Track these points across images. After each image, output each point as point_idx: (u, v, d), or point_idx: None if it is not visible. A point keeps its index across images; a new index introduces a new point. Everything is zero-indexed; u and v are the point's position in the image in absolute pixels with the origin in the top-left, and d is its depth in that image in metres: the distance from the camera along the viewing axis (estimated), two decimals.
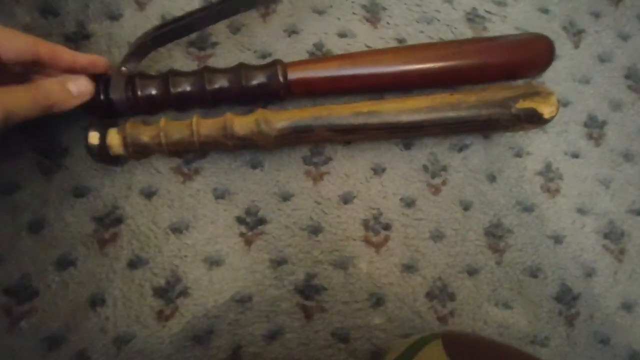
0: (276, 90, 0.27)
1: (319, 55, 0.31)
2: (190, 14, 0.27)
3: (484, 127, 0.28)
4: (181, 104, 0.27)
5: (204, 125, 0.26)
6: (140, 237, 0.26)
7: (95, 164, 0.27)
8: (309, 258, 0.27)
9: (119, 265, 0.26)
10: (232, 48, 0.31)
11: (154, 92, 0.26)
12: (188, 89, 0.26)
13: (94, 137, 0.25)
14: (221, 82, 0.26)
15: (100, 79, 0.26)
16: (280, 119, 0.26)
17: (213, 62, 0.30)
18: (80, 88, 0.24)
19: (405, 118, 0.27)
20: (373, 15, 0.33)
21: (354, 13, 0.33)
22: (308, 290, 0.27)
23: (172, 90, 0.26)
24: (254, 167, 0.28)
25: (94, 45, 0.29)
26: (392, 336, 0.26)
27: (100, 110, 0.26)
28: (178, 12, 0.31)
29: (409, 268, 0.28)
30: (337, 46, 0.32)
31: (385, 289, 0.27)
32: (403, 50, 0.29)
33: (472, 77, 0.28)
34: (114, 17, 0.30)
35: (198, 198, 0.27)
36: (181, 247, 0.26)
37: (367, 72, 0.28)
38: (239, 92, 0.27)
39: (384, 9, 0.33)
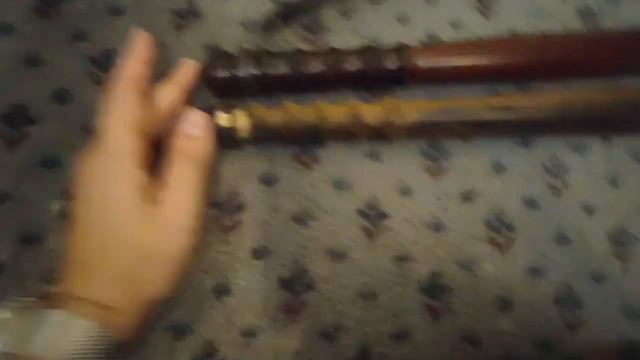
0: (400, 75, 0.32)
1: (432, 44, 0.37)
2: None
3: (615, 128, 0.34)
4: (307, 85, 0.32)
5: (332, 111, 0.31)
6: (263, 226, 0.31)
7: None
8: (434, 256, 0.32)
9: (243, 254, 0.30)
10: (343, 33, 0.36)
11: (281, 71, 0.31)
12: (316, 70, 0.31)
13: (223, 119, 0.30)
14: (350, 65, 0.32)
15: (225, 57, 0.31)
16: (411, 110, 0.32)
17: (324, 47, 0.36)
18: (200, 126, 0.28)
19: (539, 115, 0.33)
20: (485, 6, 0.39)
21: (465, 3, 0.39)
22: (434, 289, 0.32)
23: (300, 70, 0.31)
24: (372, 158, 0.34)
25: (203, 24, 0.35)
26: (523, 343, 0.31)
27: (223, 90, 0.31)
28: None
29: (535, 272, 0.33)
30: (449, 36, 0.38)
31: (512, 292, 0.32)
32: (539, 39, 0.34)
33: (611, 70, 0.34)
34: None
35: (318, 188, 0.32)
36: (304, 239, 0.31)
37: (497, 62, 0.34)
38: (364, 75, 0.32)
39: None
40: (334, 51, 0.31)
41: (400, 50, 0.32)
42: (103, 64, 0.32)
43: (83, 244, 0.24)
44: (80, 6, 0.33)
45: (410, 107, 0.32)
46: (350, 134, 0.31)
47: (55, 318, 0.21)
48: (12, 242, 0.29)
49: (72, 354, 0.21)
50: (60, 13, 0.33)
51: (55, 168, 0.30)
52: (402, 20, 0.37)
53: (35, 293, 0.24)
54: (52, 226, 0.29)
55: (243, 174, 0.32)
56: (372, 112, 0.31)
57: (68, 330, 0.21)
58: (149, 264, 0.24)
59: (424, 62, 0.33)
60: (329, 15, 0.36)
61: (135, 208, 0.24)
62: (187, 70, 0.31)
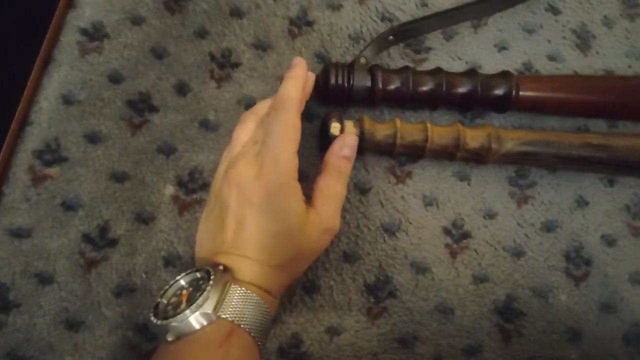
0: (505, 102, 0.33)
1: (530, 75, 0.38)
2: (436, 14, 0.34)
3: None
4: (414, 103, 0.33)
5: (437, 132, 0.32)
6: (355, 231, 0.32)
7: (311, 155, 0.33)
8: (510, 280, 0.33)
9: (334, 256, 0.31)
10: (444, 55, 0.37)
11: (393, 86, 0.32)
12: (425, 88, 0.32)
13: (335, 128, 0.31)
14: (458, 87, 0.32)
15: (340, 67, 0.32)
16: (511, 138, 0.32)
17: (425, 67, 0.37)
18: (353, 148, 0.30)
19: (633, 157, 0.33)
20: (583, 42, 0.39)
21: (564, 37, 0.39)
22: (508, 312, 0.32)
23: (410, 87, 0.32)
24: (461, 179, 0.34)
25: (315, 33, 0.36)
26: None
27: (335, 98, 0.32)
28: (395, 10, 0.38)
29: (607, 308, 0.33)
30: (546, 68, 0.38)
31: (582, 324, 0.33)
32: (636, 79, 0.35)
33: None
34: (335, 7, 0.37)
35: (409, 202, 0.33)
36: (391, 248, 0.32)
37: (600, 100, 0.34)
38: (470, 99, 0.33)
39: (594, 37, 0.39)
40: (443, 72, 0.32)
41: (506, 77, 0.33)
42: (221, 61, 0.34)
43: (250, 236, 0.26)
44: (204, 5, 0.35)
45: (510, 135, 0.32)
46: (449, 154, 0.32)
47: (239, 292, 0.24)
48: (127, 219, 0.31)
49: (251, 324, 0.24)
50: (187, 10, 0.35)
51: (171, 155, 0.32)
52: (501, 47, 0.38)
53: (204, 266, 0.26)
54: (164, 208, 0.31)
55: None
56: (474, 136, 0.32)
57: (248, 304, 0.24)
58: (302, 258, 0.28)
59: (527, 91, 0.33)
60: (432, 36, 0.37)
61: (302, 215, 0.26)
62: (310, 84, 0.31)
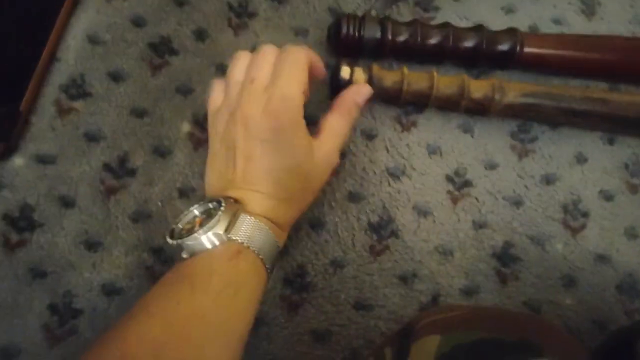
0: (509, 57, 0.33)
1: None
2: None
3: None
4: (422, 54, 0.33)
5: (443, 81, 0.33)
6: (360, 174, 0.33)
7: (320, 101, 0.33)
8: (509, 227, 0.33)
9: (340, 195, 0.32)
10: (451, 15, 0.38)
11: (402, 38, 0.32)
12: (433, 41, 0.33)
13: (345, 72, 0.32)
14: (465, 41, 0.33)
15: (352, 18, 0.32)
16: (514, 89, 0.33)
17: None
18: (366, 96, 0.31)
19: (632, 113, 0.33)
20: (588, 8, 0.39)
21: (569, 3, 0.39)
22: (505, 257, 0.33)
23: (419, 39, 0.33)
24: (465, 131, 0.35)
25: None
26: (582, 319, 0.32)
27: (345, 48, 0.33)
28: None
29: (602, 258, 0.34)
30: (550, 31, 0.38)
31: (577, 272, 0.33)
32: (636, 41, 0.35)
33: None
34: None
35: (413, 149, 0.34)
36: (395, 191, 0.33)
37: (603, 58, 0.34)
38: (477, 52, 0.33)
39: (599, 3, 0.39)
40: (450, 26, 0.33)
41: (512, 33, 0.33)
42: (238, 11, 0.35)
43: (260, 171, 0.27)
44: None
45: (514, 87, 0.33)
46: (454, 104, 0.32)
47: (248, 219, 0.25)
48: (146, 152, 0.32)
49: (259, 248, 0.25)
50: None
51: (188, 95, 0.33)
52: (508, 10, 0.38)
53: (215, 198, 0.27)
54: (180, 144, 0.32)
55: None
56: (477, 87, 0.32)
57: (256, 230, 0.25)
58: (309, 189, 0.29)
59: (531, 48, 0.34)
60: None
61: (308, 149, 0.27)
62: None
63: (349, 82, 0.32)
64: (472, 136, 0.35)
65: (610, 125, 0.34)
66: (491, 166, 0.34)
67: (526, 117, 0.34)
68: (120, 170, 0.31)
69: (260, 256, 0.25)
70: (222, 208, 0.25)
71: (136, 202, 0.30)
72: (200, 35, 0.34)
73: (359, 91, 0.31)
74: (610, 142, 0.36)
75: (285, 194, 0.28)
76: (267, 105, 0.27)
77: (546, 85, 0.33)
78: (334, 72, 0.32)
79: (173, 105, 0.33)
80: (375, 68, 0.32)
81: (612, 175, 0.35)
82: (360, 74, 0.32)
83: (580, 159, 0.35)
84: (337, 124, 0.30)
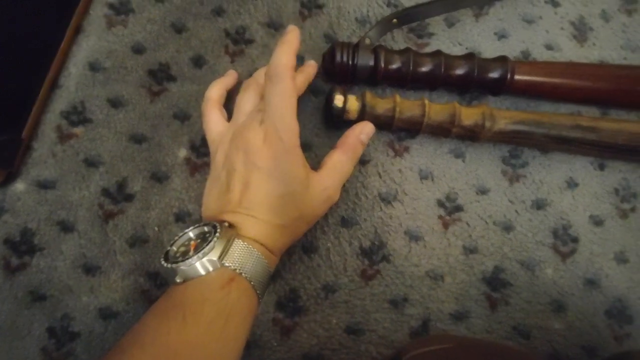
0: (500, 85, 0.33)
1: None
2: (437, 1, 0.34)
3: None
4: (414, 83, 0.33)
5: (434, 108, 0.33)
6: (353, 199, 0.33)
7: (315, 127, 0.34)
8: (499, 252, 0.33)
9: (332, 220, 0.32)
10: (445, 40, 0.38)
11: (395, 66, 0.32)
12: (425, 69, 0.33)
13: (339, 100, 0.32)
14: (456, 69, 0.33)
15: (346, 46, 0.32)
16: (504, 117, 0.33)
17: (427, 51, 0.37)
18: (369, 135, 0.31)
19: (621, 140, 0.33)
20: (580, 34, 0.39)
21: (562, 28, 0.39)
22: (495, 282, 0.33)
23: (411, 68, 0.33)
24: (456, 156, 0.35)
25: (324, 15, 0.37)
26: (571, 344, 0.32)
27: (339, 75, 0.33)
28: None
29: (591, 283, 0.33)
30: (543, 57, 0.38)
31: (567, 297, 0.33)
32: (627, 69, 0.35)
33: None
34: None
35: (405, 174, 0.34)
36: (387, 217, 0.33)
37: (586, 86, 0.34)
38: (467, 81, 0.33)
39: (591, 29, 0.39)
40: (442, 54, 0.33)
41: (503, 61, 0.33)
42: (235, 38, 0.35)
43: (257, 197, 0.27)
44: None
45: (504, 114, 0.32)
46: (445, 130, 0.32)
47: (242, 245, 0.25)
48: (143, 177, 0.32)
49: (251, 275, 0.25)
50: None
51: (185, 121, 0.33)
52: (501, 36, 0.38)
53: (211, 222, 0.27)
54: (177, 169, 0.32)
55: None
56: (468, 114, 0.32)
57: (249, 257, 0.25)
58: (303, 220, 0.29)
59: (522, 76, 0.33)
60: (434, 22, 0.38)
61: (304, 181, 0.27)
62: (312, 67, 0.33)
63: (343, 110, 0.32)
64: (463, 161, 0.35)
65: (600, 152, 0.34)
66: (482, 191, 0.34)
67: (516, 143, 0.34)
68: (118, 195, 0.31)
69: (252, 283, 0.25)
70: (217, 234, 0.25)
71: (133, 227, 0.31)
72: (198, 62, 0.35)
73: (364, 130, 0.31)
74: (601, 167, 0.36)
75: (279, 220, 0.28)
76: (264, 136, 0.28)
77: (536, 113, 0.33)
78: (328, 100, 0.32)
79: (171, 131, 0.33)
80: (368, 96, 0.32)
81: (602, 200, 0.35)
82: (353, 102, 0.32)
83: (571, 184, 0.35)
84: (339, 161, 0.30)
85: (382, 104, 0.32)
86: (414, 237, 0.33)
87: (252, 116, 0.29)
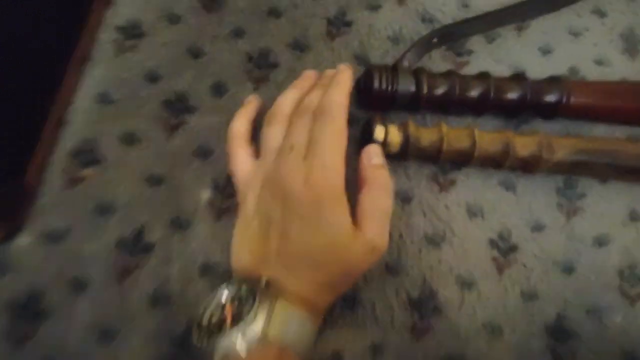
0: (554, 109, 0.30)
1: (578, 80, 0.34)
2: (479, 17, 0.31)
3: None
4: (459, 108, 0.30)
5: (485, 138, 0.29)
6: (397, 242, 0.29)
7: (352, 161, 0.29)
8: (561, 298, 0.30)
9: (376, 269, 0.28)
10: (486, 58, 0.34)
11: (439, 91, 0.29)
12: (473, 94, 0.29)
13: (380, 132, 0.28)
14: (507, 93, 0.29)
15: (383, 70, 0.28)
16: (563, 146, 0.29)
17: (467, 71, 0.33)
18: (379, 155, 0.27)
19: None
20: (631, 46, 0.35)
21: (610, 41, 0.36)
22: (559, 332, 0.29)
23: (457, 92, 0.29)
24: (507, 189, 0.31)
25: (354, 34, 0.33)
26: None
27: (377, 102, 0.29)
28: (435, 12, 0.35)
29: None
30: (593, 74, 0.34)
31: (638, 347, 0.30)
32: None
33: None
34: (374, 7, 0.34)
35: (452, 211, 0.30)
36: (435, 261, 0.29)
37: None
38: (518, 105, 0.29)
39: None
40: (491, 77, 0.29)
41: (557, 83, 0.30)
42: (258, 62, 0.31)
43: (297, 250, 0.24)
44: (241, 4, 0.32)
45: (563, 143, 0.29)
46: (497, 163, 0.29)
47: (285, 311, 0.22)
48: (163, 224, 0.28)
49: (297, 345, 0.22)
50: (223, 9, 0.32)
51: (207, 158, 0.29)
52: (545, 51, 0.34)
53: (245, 279, 0.24)
54: (201, 214, 0.28)
55: None
56: (523, 144, 0.28)
57: (295, 324, 0.22)
58: (348, 275, 0.25)
59: (578, 98, 0.30)
60: (474, 38, 0.34)
61: (349, 231, 0.24)
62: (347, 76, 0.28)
63: (384, 144, 0.28)
64: (514, 194, 0.31)
65: None
66: (537, 228, 0.30)
67: (576, 174, 0.31)
68: (135, 246, 0.27)
69: (299, 352, 0.22)
70: (257, 300, 0.21)
71: (154, 283, 0.27)
72: (218, 89, 0.31)
73: (370, 153, 0.27)
74: None
75: (323, 277, 0.24)
76: (308, 176, 0.24)
77: (597, 139, 0.29)
78: (366, 131, 0.29)
79: (191, 170, 0.29)
80: (412, 127, 0.28)
81: None
82: (395, 133, 0.28)
83: (634, 216, 0.31)
84: (373, 199, 0.25)
85: (427, 135, 0.28)
86: (466, 283, 0.29)
87: (286, 153, 0.25)
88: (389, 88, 0.28)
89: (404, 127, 0.28)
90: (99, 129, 0.29)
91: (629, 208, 0.31)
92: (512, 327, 0.28)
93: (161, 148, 0.29)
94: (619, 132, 0.33)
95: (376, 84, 0.28)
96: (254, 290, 0.22)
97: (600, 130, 0.33)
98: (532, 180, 0.31)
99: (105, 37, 0.31)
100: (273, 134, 0.27)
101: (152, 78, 0.30)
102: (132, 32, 0.31)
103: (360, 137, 0.30)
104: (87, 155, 0.28)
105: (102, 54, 0.31)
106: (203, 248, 0.28)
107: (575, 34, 0.35)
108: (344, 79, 0.27)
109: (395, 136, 0.28)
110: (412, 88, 0.28)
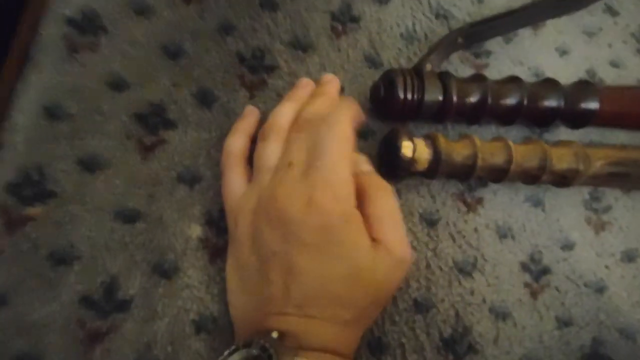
0: (589, 117, 0.27)
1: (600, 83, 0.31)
2: (507, 14, 0.28)
3: None
4: (490, 118, 0.26)
5: (520, 151, 0.25)
6: (425, 273, 0.25)
7: None
8: (595, 321, 0.27)
9: (403, 306, 0.24)
10: (505, 59, 0.30)
11: (472, 100, 0.25)
12: (507, 102, 0.25)
13: (407, 148, 0.23)
14: (542, 101, 0.26)
15: (406, 77, 0.24)
16: (599, 157, 0.26)
17: (487, 73, 0.29)
18: (367, 160, 0.24)
19: None
20: None
21: (624, 42, 0.34)
22: (595, 359, 0.27)
23: (490, 101, 0.25)
24: (535, 205, 0.28)
25: (362, 31, 0.28)
26: None
27: (399, 113, 0.25)
28: (450, 7, 0.30)
29: None
30: (610, 76, 0.32)
31: None
32: None
33: None
34: (382, 0, 0.29)
35: (482, 234, 0.26)
36: (467, 292, 0.25)
37: None
38: (552, 114, 0.26)
39: None
40: (524, 84, 0.25)
41: (590, 89, 0.27)
42: (252, 64, 0.26)
43: (310, 287, 0.19)
44: None
45: (598, 154, 0.26)
46: (533, 178, 0.25)
47: None
48: (142, 273, 0.22)
49: None
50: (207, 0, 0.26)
51: (195, 184, 0.23)
52: (562, 52, 0.31)
53: (252, 335, 0.19)
54: (190, 255, 0.23)
55: (402, 210, 0.26)
56: (560, 156, 0.25)
57: None
58: (378, 302, 0.21)
59: (611, 106, 0.27)
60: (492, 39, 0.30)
61: (370, 249, 0.20)
62: (333, 86, 0.25)
63: (411, 160, 0.24)
64: (543, 210, 0.28)
65: None
66: (568, 246, 0.28)
67: (609, 186, 0.28)
68: (107, 303, 0.21)
69: None
70: None
71: (134, 350, 0.20)
72: (205, 99, 0.25)
73: (359, 163, 0.23)
74: None
75: (348, 313, 0.19)
76: (311, 196, 0.19)
77: (631, 149, 0.27)
78: (389, 146, 0.24)
79: (175, 200, 0.23)
80: (442, 140, 0.24)
81: None
82: (423, 148, 0.24)
83: None
84: (377, 206, 0.21)
85: (459, 150, 0.24)
86: (500, 314, 0.26)
87: (281, 174, 0.21)
88: (415, 96, 0.24)
89: (432, 141, 0.24)
90: (48, 153, 0.22)
91: None
92: (549, 359, 0.26)
93: (134, 174, 0.23)
94: (638, 139, 0.31)
95: (400, 92, 0.24)
96: (266, 349, 0.18)
97: (622, 138, 0.31)
98: (558, 195, 0.28)
99: (53, 31, 0.23)
100: (268, 151, 0.22)
101: (118, 85, 0.23)
102: (89, 26, 0.24)
103: (380, 152, 0.25)
104: (33, 188, 0.21)
105: (49, 55, 0.23)
106: (196, 299, 0.22)
107: (589, 33, 0.33)
108: (332, 90, 0.24)
109: (423, 151, 0.24)
110: (440, 96, 0.24)
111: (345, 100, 0.23)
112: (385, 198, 0.22)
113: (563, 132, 0.29)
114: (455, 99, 0.24)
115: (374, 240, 0.21)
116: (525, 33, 0.31)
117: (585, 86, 0.27)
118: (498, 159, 0.24)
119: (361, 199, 0.21)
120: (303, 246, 0.19)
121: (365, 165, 0.23)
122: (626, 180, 0.27)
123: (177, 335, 0.21)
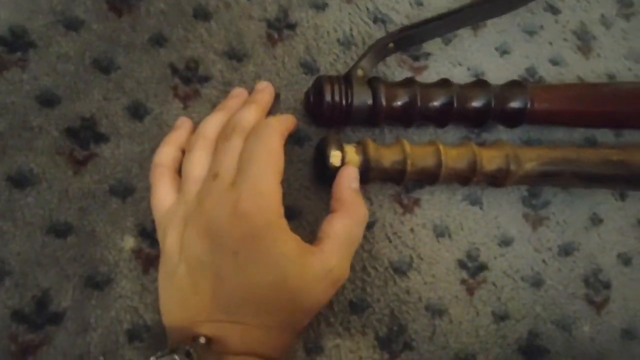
0: (520, 116, 0.27)
1: (533, 82, 0.31)
2: (443, 16, 0.27)
3: None
4: (421, 120, 0.26)
5: (451, 154, 0.25)
6: (361, 274, 0.25)
7: (302, 187, 0.26)
8: (531, 314, 0.27)
9: (339, 307, 0.24)
10: (444, 61, 0.30)
11: (399, 103, 0.25)
12: (435, 104, 0.25)
13: (336, 157, 0.23)
14: (472, 101, 0.26)
15: (334, 82, 0.24)
16: (530, 158, 0.26)
17: (426, 75, 0.30)
18: (356, 177, 0.24)
19: None
20: (584, 44, 0.33)
21: (565, 39, 0.33)
22: (532, 351, 0.26)
23: (419, 104, 0.25)
24: (473, 203, 0.28)
25: (299, 38, 0.28)
26: None
27: (329, 118, 0.24)
28: (388, 11, 0.30)
29: (628, 334, 0.28)
30: (550, 74, 0.32)
31: (606, 355, 0.28)
32: None
33: None
34: (319, 6, 0.29)
35: (418, 234, 0.26)
36: (403, 291, 0.25)
37: (612, 110, 0.28)
38: (483, 114, 0.26)
39: (594, 38, 0.34)
40: (453, 85, 0.25)
41: (520, 88, 0.27)
42: (185, 75, 0.25)
43: (236, 295, 0.19)
44: (161, 5, 0.26)
45: (530, 155, 0.26)
46: (464, 179, 0.26)
47: None
48: (75, 286, 0.22)
49: None
50: (138, 11, 0.25)
51: (128, 197, 0.23)
52: (503, 51, 0.31)
53: (181, 340, 0.19)
54: (124, 267, 0.22)
55: None
56: (490, 158, 0.25)
57: None
58: (304, 309, 0.21)
59: (541, 104, 0.27)
60: (430, 40, 0.30)
61: (297, 259, 0.20)
62: (267, 94, 0.25)
63: (339, 169, 0.24)
64: (481, 208, 0.28)
65: (629, 186, 0.29)
66: (506, 242, 0.28)
67: (542, 185, 0.28)
68: (38, 317, 0.21)
69: None
70: None
71: None
72: (137, 111, 0.24)
73: (351, 176, 0.23)
74: (622, 197, 0.30)
75: (272, 320, 0.20)
76: (236, 205, 0.19)
77: (562, 149, 0.27)
78: (320, 155, 0.24)
79: (108, 213, 0.23)
80: (371, 146, 0.24)
81: (627, 235, 0.30)
82: (353, 155, 0.24)
83: (595, 221, 0.29)
84: (346, 226, 0.22)
85: (389, 155, 0.24)
86: (436, 311, 0.26)
87: (208, 185, 0.21)
88: (343, 102, 0.24)
89: (361, 147, 0.24)
90: None
91: (590, 212, 0.29)
92: (485, 353, 0.26)
93: (66, 189, 0.22)
94: (577, 134, 0.31)
95: (328, 98, 0.24)
96: (190, 354, 0.18)
97: (559, 134, 0.31)
98: (497, 192, 0.28)
99: None
100: (195, 162, 0.22)
101: (48, 101, 0.23)
102: (17, 43, 0.24)
103: (314, 160, 0.25)
104: None
105: None
106: (130, 308, 0.22)
107: (530, 32, 0.32)
108: (264, 98, 0.24)
109: (353, 158, 0.23)
110: (369, 101, 0.24)
111: (280, 116, 0.23)
112: (355, 224, 0.22)
113: (502, 132, 0.30)
114: (384, 103, 0.24)
115: (317, 244, 0.21)
116: (465, 34, 0.31)
117: (515, 86, 0.27)
118: (428, 163, 0.24)
119: (336, 210, 0.22)
120: (230, 254, 0.19)
121: (355, 183, 0.23)
122: (560, 179, 0.27)
123: (110, 346, 0.21)
